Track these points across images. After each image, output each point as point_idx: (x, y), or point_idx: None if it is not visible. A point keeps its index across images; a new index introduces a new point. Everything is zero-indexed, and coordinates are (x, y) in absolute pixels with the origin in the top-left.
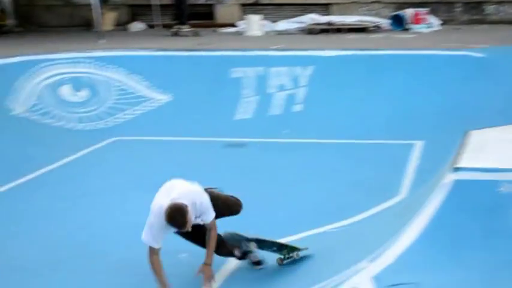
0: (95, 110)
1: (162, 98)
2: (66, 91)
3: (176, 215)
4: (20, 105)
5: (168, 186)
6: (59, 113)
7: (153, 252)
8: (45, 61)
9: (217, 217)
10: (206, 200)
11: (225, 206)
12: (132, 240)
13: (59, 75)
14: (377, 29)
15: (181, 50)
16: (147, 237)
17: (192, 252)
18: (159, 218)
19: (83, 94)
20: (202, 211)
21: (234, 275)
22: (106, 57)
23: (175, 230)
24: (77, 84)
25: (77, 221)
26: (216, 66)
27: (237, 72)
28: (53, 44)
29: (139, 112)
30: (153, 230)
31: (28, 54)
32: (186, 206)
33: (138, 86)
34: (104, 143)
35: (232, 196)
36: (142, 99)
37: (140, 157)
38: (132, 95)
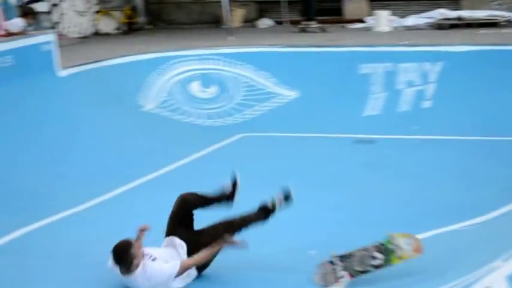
0: (223, 106)
1: (289, 94)
2: (195, 87)
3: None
4: (150, 101)
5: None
6: (188, 109)
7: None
8: (175, 58)
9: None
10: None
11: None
12: (262, 236)
13: (189, 72)
14: (508, 23)
15: (309, 46)
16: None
17: (321, 249)
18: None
19: (212, 90)
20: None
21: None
22: (235, 53)
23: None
24: (206, 80)
25: (205, 217)
26: (344, 62)
27: (365, 69)
28: (182, 41)
29: (267, 108)
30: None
31: (159, 51)
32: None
33: (266, 82)
34: (233, 139)
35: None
36: (270, 95)
37: (268, 153)
38: (260, 92)
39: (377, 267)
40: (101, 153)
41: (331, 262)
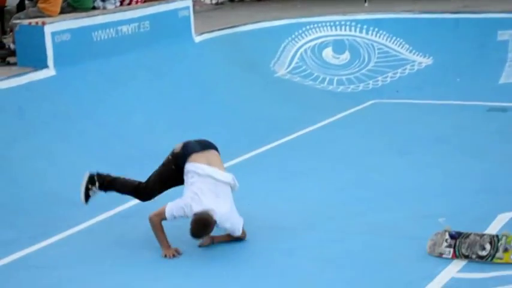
0: (355, 72)
1: (423, 61)
2: (328, 53)
3: (200, 229)
4: (283, 67)
5: (213, 186)
6: (320, 75)
7: (161, 217)
8: (309, 24)
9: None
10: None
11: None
12: (391, 202)
13: (322, 38)
14: None
15: (444, 13)
16: (171, 206)
17: (448, 217)
18: (188, 211)
19: (345, 56)
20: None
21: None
22: (368, 20)
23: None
24: (339, 46)
25: (335, 182)
26: (481, 29)
27: (503, 35)
28: (318, 7)
29: (399, 75)
30: (178, 209)
31: (293, 18)
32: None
33: (399, 49)
34: (364, 105)
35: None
36: (403, 62)
37: (399, 120)
38: (393, 58)
39: (481, 257)
40: (232, 117)
41: (445, 235)
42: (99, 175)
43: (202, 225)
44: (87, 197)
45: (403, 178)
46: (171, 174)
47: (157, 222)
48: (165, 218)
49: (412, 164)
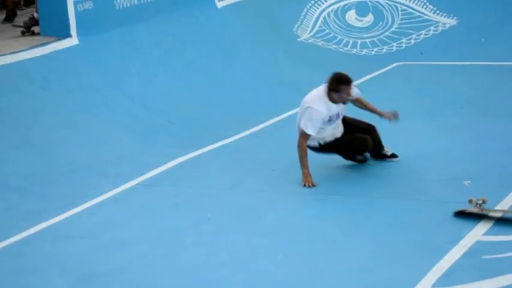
0: (379, 34)
1: (447, 21)
2: (351, 16)
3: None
4: (306, 31)
5: None
6: (344, 38)
7: (305, 138)
8: None
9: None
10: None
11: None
12: (418, 165)
13: (345, 1)
14: None
15: None
16: (305, 123)
17: (475, 180)
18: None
19: (368, 19)
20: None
21: None
22: None
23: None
24: (362, 9)
25: None
26: None
27: None
28: None
29: (423, 37)
30: (313, 120)
31: None
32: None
33: (423, 10)
34: (388, 68)
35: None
36: (427, 23)
37: (425, 82)
38: (417, 19)
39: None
40: (256, 83)
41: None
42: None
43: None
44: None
45: (431, 140)
46: None
47: (303, 144)
48: (308, 136)
49: (439, 126)
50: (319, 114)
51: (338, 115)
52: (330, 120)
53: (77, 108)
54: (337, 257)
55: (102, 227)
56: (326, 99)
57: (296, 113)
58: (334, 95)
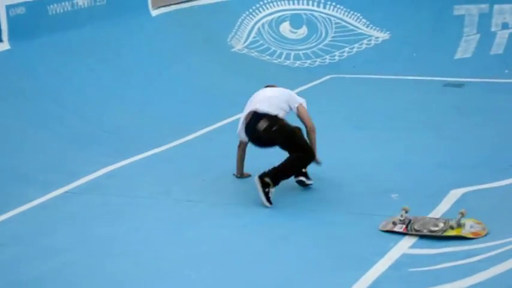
0: (313, 47)
1: (380, 35)
2: (285, 28)
3: None
4: (240, 42)
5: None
6: (277, 49)
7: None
8: None
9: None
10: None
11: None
12: (347, 177)
13: (279, 12)
14: None
15: None
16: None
17: (405, 194)
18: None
19: (302, 31)
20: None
21: None
22: None
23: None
24: (296, 21)
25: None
26: (438, 3)
27: (459, 10)
28: None
29: (356, 50)
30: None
31: None
32: None
33: (356, 23)
34: (321, 80)
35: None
36: (361, 36)
37: (356, 95)
38: (351, 33)
39: (432, 232)
40: (189, 92)
41: (402, 212)
42: (266, 174)
43: None
44: (268, 199)
45: (360, 153)
46: None
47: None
48: None
49: (368, 139)
50: None
51: None
52: None
53: (7, 114)
54: (263, 269)
55: (30, 234)
56: None
57: (228, 123)
58: None
